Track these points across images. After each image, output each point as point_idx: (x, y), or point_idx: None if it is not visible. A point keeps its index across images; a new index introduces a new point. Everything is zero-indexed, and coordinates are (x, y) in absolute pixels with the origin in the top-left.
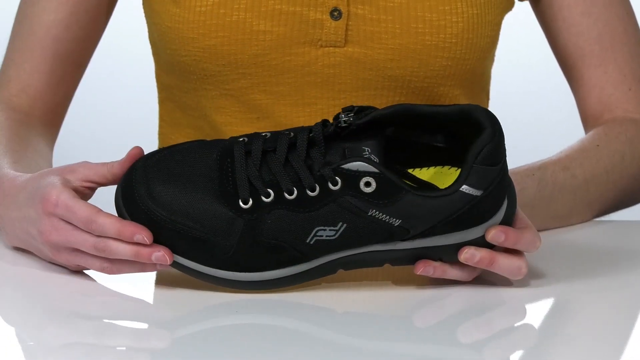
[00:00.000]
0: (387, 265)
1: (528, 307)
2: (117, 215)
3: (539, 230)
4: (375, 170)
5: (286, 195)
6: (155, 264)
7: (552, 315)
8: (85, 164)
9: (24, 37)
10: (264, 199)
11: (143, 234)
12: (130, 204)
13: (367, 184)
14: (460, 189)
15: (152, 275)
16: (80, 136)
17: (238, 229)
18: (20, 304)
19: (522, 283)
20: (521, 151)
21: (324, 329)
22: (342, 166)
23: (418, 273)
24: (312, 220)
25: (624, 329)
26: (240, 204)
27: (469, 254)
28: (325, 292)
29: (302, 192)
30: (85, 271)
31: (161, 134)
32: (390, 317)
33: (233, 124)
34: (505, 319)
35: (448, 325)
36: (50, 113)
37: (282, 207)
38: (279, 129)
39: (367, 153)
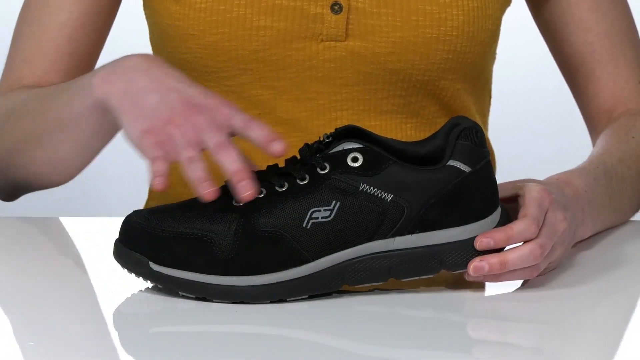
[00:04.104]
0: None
1: (544, 311)
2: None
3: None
4: (360, 145)
5: (277, 188)
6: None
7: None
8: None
9: (37, 37)
10: (256, 195)
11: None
12: (126, 230)
13: (355, 159)
14: (448, 163)
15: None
16: None
17: (234, 221)
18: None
19: (540, 285)
20: (522, 151)
21: (331, 336)
22: (330, 152)
23: (472, 273)
24: (305, 203)
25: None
26: (234, 203)
27: (478, 266)
28: (331, 299)
29: (293, 183)
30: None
31: None
32: (395, 320)
33: None
34: (520, 324)
35: (456, 329)
36: None
37: (275, 197)
38: (280, 125)
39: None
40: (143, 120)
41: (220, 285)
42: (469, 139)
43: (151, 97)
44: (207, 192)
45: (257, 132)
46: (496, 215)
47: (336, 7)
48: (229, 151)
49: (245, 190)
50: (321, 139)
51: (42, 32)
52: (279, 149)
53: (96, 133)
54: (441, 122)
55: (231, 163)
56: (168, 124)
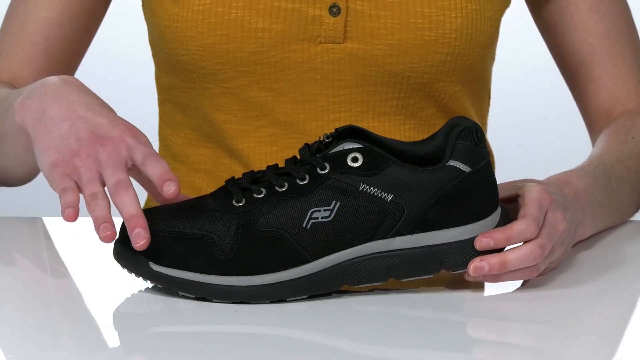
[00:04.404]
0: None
1: (544, 311)
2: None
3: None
4: (360, 145)
5: (277, 188)
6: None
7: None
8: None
9: (14, 32)
10: (255, 195)
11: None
12: (127, 230)
13: (355, 159)
14: (448, 163)
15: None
16: None
17: (233, 221)
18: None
19: (540, 285)
20: (521, 151)
21: (331, 336)
22: (330, 152)
23: (472, 273)
24: (305, 203)
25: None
26: (234, 203)
27: (478, 266)
28: (331, 299)
29: (292, 183)
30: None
31: (161, 135)
32: (395, 320)
33: (233, 122)
34: (520, 324)
35: (456, 329)
36: None
37: (275, 197)
38: (278, 127)
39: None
40: (52, 152)
41: (220, 285)
42: (469, 139)
43: (60, 126)
44: (104, 234)
45: (154, 170)
46: (496, 215)
47: (334, 10)
48: (125, 194)
49: (138, 240)
50: (321, 139)
51: (20, 27)
52: (171, 189)
53: (29, 149)
54: (439, 123)
55: (124, 207)
56: (74, 156)
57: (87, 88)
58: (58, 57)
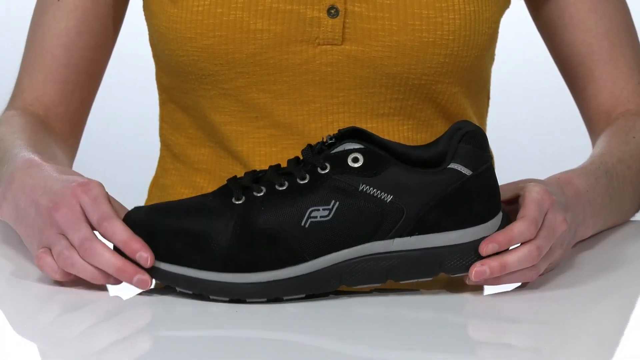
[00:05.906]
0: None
1: (544, 311)
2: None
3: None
4: (361, 145)
5: (277, 187)
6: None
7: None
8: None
9: (35, 46)
10: (255, 194)
11: (147, 255)
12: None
13: (355, 160)
14: (449, 166)
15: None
16: (82, 137)
17: (232, 218)
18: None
19: (540, 286)
20: (521, 151)
21: (331, 338)
22: (331, 152)
23: (474, 279)
24: (305, 201)
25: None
26: (233, 200)
27: (479, 270)
28: (331, 300)
29: (293, 182)
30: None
31: (162, 135)
32: (395, 322)
33: (232, 124)
34: (521, 325)
35: (457, 330)
36: (66, 123)
37: (274, 196)
38: (277, 128)
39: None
40: (33, 243)
41: (217, 282)
42: (471, 142)
43: (29, 214)
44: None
45: (114, 237)
46: (497, 219)
47: (333, 11)
48: (91, 250)
49: (143, 285)
50: (324, 140)
51: (40, 41)
52: (144, 262)
53: None
54: (438, 124)
55: (99, 262)
56: (42, 233)
57: (42, 162)
58: (81, 65)
